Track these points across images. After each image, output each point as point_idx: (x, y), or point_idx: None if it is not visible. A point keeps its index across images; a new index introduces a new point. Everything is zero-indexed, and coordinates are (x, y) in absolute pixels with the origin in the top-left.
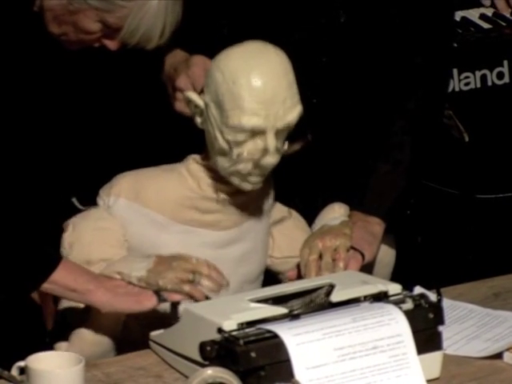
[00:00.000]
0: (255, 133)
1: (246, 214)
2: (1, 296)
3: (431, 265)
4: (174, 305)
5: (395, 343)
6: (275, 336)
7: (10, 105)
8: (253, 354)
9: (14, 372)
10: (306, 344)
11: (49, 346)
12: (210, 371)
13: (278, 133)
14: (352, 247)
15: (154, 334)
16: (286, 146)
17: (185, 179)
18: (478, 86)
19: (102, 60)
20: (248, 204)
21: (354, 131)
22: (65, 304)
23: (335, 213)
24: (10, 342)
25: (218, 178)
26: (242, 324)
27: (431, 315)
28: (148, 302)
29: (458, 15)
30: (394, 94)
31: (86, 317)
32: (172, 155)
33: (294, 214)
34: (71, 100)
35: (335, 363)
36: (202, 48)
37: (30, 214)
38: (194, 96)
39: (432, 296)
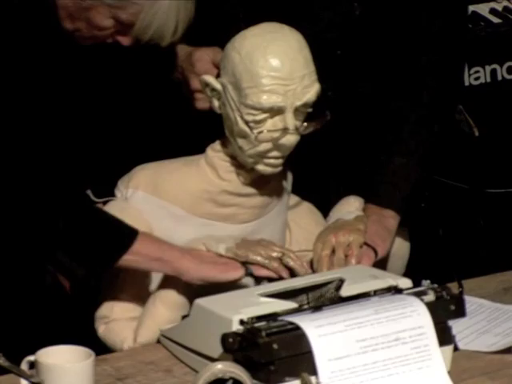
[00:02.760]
0: (274, 112)
1: (264, 208)
2: (81, 271)
3: (444, 258)
4: (258, 280)
5: (417, 335)
6: (297, 328)
7: (28, 98)
8: (275, 346)
9: (24, 366)
10: (328, 336)
11: (58, 341)
12: (220, 366)
13: (296, 111)
14: (365, 243)
15: (164, 328)
16: (305, 126)
17: (204, 172)
18: (488, 80)
19: (117, 52)
20: (266, 198)
21: (367, 124)
22: None
23: (350, 206)
24: (20, 336)
25: (237, 167)
26: (251, 319)
27: (453, 307)
28: (235, 273)
29: (469, 10)
30: (407, 87)
31: (161, 293)
32: (189, 146)
33: (311, 207)
34: (88, 92)
35: (357, 355)
36: (216, 43)
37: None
38: (210, 79)
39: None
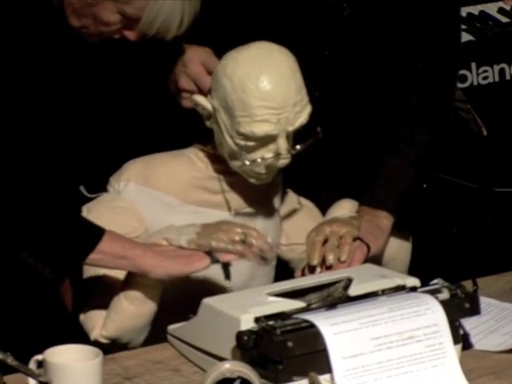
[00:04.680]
0: (267, 139)
1: (255, 195)
2: (48, 271)
3: (458, 257)
4: (226, 266)
5: (432, 333)
6: (312, 326)
7: (21, 95)
8: (290, 344)
9: (32, 366)
10: (343, 333)
11: (66, 340)
12: (228, 365)
13: (288, 135)
14: (358, 238)
15: (171, 327)
16: (298, 148)
17: (193, 162)
18: (497, 79)
19: (117, 51)
20: (256, 186)
21: (358, 125)
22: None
23: (343, 209)
24: (28, 335)
25: (226, 167)
26: (259, 318)
27: (467, 305)
28: (200, 263)
29: (477, 9)
30: (399, 88)
31: (126, 287)
32: (179, 145)
33: (305, 202)
34: (80, 90)
35: (372, 353)
36: (209, 41)
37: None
38: (201, 100)
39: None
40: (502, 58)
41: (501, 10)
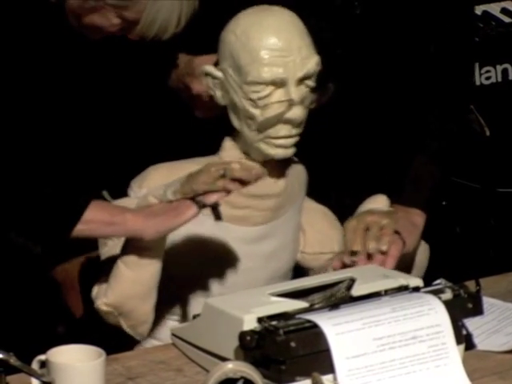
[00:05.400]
0: (277, 85)
1: (277, 211)
2: (38, 248)
3: (461, 257)
4: (214, 207)
5: (434, 333)
6: (315, 326)
7: (41, 97)
8: (293, 344)
9: (35, 366)
10: (346, 334)
11: (69, 340)
12: (231, 365)
13: (299, 83)
14: (396, 232)
15: (174, 327)
16: (310, 98)
17: None
18: (499, 80)
19: (131, 52)
20: (279, 201)
21: (372, 123)
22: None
23: (378, 203)
24: (31, 335)
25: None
26: (262, 318)
27: (470, 305)
28: (188, 212)
29: (480, 9)
30: (419, 83)
31: (123, 253)
32: (203, 147)
33: (326, 210)
34: (101, 92)
35: (374, 353)
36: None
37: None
38: (211, 68)
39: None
40: (505, 59)
41: (504, 10)
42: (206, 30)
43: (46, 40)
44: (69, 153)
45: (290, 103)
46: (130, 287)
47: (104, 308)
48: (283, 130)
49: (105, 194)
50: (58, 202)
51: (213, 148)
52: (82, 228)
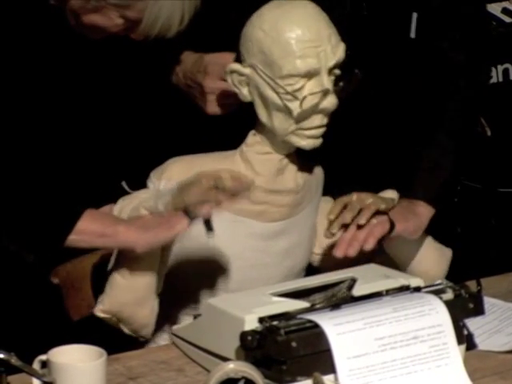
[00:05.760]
0: (310, 76)
1: (295, 208)
2: (31, 256)
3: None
4: (207, 220)
5: (436, 333)
6: (316, 326)
7: (45, 99)
8: (294, 344)
9: (36, 366)
10: (347, 334)
11: (70, 340)
12: (232, 365)
13: (330, 72)
14: (385, 214)
15: (175, 327)
16: (341, 86)
17: (238, 167)
18: (500, 79)
19: (136, 47)
20: (297, 198)
21: (383, 121)
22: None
23: (385, 195)
24: (32, 335)
25: (272, 161)
26: (263, 318)
27: (471, 305)
28: (180, 224)
29: None
30: (433, 80)
31: (118, 261)
32: (224, 140)
33: None
34: (122, 85)
35: (376, 353)
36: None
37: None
38: (237, 66)
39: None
40: (506, 58)
41: (504, 10)
42: (209, 26)
43: (47, 40)
44: (81, 150)
45: (325, 93)
46: (125, 295)
47: (101, 315)
48: (316, 119)
49: (124, 185)
50: (51, 212)
51: (234, 142)
52: (74, 238)
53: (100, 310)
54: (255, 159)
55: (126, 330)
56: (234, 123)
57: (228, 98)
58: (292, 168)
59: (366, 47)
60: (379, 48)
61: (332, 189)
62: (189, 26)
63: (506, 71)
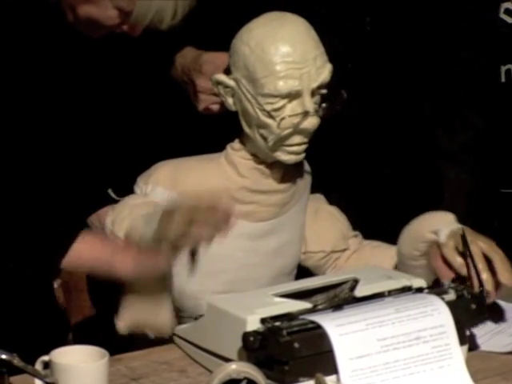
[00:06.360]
0: (292, 96)
1: (282, 206)
2: (29, 271)
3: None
4: (192, 254)
5: (438, 334)
6: (318, 326)
7: (44, 96)
8: (296, 345)
9: (38, 366)
10: (349, 334)
11: (72, 340)
12: (234, 366)
13: (313, 94)
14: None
15: (178, 328)
16: (324, 107)
17: (223, 169)
18: (503, 80)
19: (133, 46)
20: (285, 197)
21: (384, 134)
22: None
23: (443, 222)
24: (34, 336)
25: (258, 163)
26: (266, 319)
27: (473, 306)
28: (161, 265)
29: None
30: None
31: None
32: (210, 145)
33: (334, 211)
34: (104, 89)
35: (378, 354)
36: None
37: (62, 206)
38: (222, 77)
39: None
40: (509, 59)
41: (507, 11)
42: (208, 23)
43: (46, 40)
44: (71, 152)
45: (305, 114)
46: (140, 312)
47: (124, 332)
48: (297, 138)
49: (110, 192)
50: (47, 234)
51: (219, 145)
52: (70, 261)
53: (123, 327)
54: (240, 163)
55: (151, 335)
56: (222, 125)
57: (218, 99)
58: (279, 168)
59: (369, 62)
60: (381, 63)
61: (321, 186)
62: (186, 21)
63: (508, 72)
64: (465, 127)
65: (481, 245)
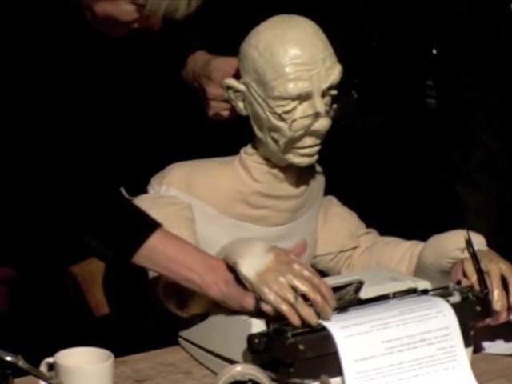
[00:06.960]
0: (302, 98)
1: (296, 212)
2: (111, 253)
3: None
4: (267, 317)
5: (443, 336)
6: (323, 328)
7: (63, 96)
8: (301, 347)
9: (43, 368)
10: (354, 336)
11: (77, 342)
12: (239, 368)
13: (323, 95)
14: None
15: (183, 330)
16: (335, 108)
17: (237, 172)
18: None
19: (148, 51)
20: (298, 202)
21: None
22: None
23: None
24: (39, 338)
25: (271, 168)
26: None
27: (478, 308)
28: (249, 305)
29: None
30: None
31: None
32: (223, 148)
33: (342, 211)
34: (120, 90)
35: (383, 356)
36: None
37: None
38: (232, 82)
39: None
40: None
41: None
42: (218, 26)
43: (65, 42)
44: (86, 152)
45: (317, 115)
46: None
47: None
48: (309, 140)
49: (122, 191)
50: (133, 219)
51: (233, 147)
52: (163, 262)
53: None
54: (254, 167)
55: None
56: (236, 128)
57: (228, 106)
58: (292, 173)
59: (375, 78)
60: (387, 79)
61: (334, 189)
62: (199, 23)
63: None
64: (479, 144)
65: (501, 265)
